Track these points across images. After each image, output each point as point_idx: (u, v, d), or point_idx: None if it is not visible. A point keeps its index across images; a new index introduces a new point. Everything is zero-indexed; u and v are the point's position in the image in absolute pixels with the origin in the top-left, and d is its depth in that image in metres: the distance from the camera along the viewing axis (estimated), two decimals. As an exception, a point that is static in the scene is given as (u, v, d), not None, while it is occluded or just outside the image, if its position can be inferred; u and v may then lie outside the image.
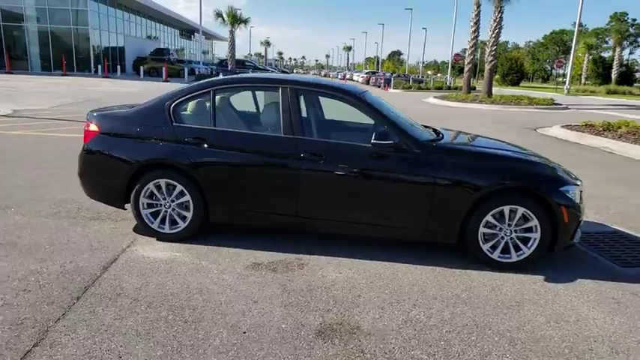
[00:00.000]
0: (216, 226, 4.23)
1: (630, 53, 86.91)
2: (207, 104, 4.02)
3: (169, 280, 3.34)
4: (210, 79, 4.24)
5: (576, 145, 10.92)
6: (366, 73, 52.71)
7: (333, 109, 4.49)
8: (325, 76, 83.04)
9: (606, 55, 60.94)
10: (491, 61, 22.09)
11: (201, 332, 2.70)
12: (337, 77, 71.84)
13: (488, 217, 3.71)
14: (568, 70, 41.44)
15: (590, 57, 55.07)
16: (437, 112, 17.99)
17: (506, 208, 3.68)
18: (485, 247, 3.77)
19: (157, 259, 3.67)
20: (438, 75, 67.22)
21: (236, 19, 32.17)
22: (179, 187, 3.91)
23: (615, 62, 50.31)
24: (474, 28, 23.38)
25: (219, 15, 31.99)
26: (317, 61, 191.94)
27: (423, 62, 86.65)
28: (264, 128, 4.12)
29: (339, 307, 3.07)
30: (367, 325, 2.87)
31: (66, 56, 33.39)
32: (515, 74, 59.33)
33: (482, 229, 3.73)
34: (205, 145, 3.85)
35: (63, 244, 3.89)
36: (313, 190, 3.80)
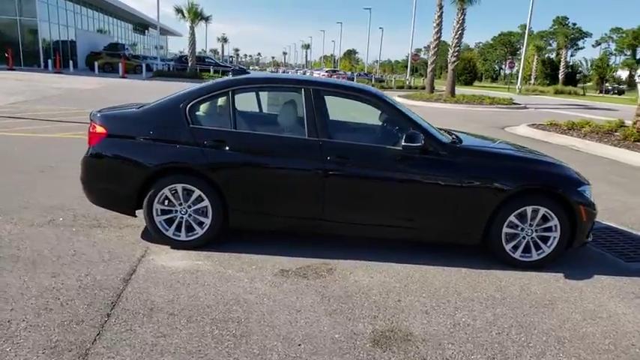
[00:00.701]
0: (228, 233, 4.06)
1: (572, 55, 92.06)
2: (226, 105, 3.84)
3: (200, 291, 3.17)
4: (227, 79, 4.05)
5: (545, 143, 11.39)
6: (326, 71, 52.79)
7: (345, 110, 4.43)
8: (285, 73, 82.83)
9: (550, 56, 64.28)
10: (454, 61, 22.76)
11: (255, 347, 2.57)
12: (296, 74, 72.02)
13: (512, 218, 3.77)
14: (520, 71, 43.42)
15: (539, 58, 57.88)
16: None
17: (529, 209, 3.76)
18: (508, 247, 3.83)
19: (179, 269, 3.48)
20: (394, 74, 68.50)
21: (197, 15, 31.29)
22: (197, 192, 3.72)
23: (562, 64, 53.32)
24: (436, 29, 23.97)
25: (179, 11, 30.99)
26: (273, 58, 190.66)
27: (379, 61, 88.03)
28: (285, 130, 3.99)
29: (384, 313, 3.02)
30: (419, 331, 2.83)
31: (11, 49, 31.26)
32: (468, 74, 61.52)
33: (505, 230, 3.79)
34: (227, 148, 3.68)
35: (70, 255, 3.61)
36: (338, 193, 3.72)
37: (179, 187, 3.72)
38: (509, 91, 41.10)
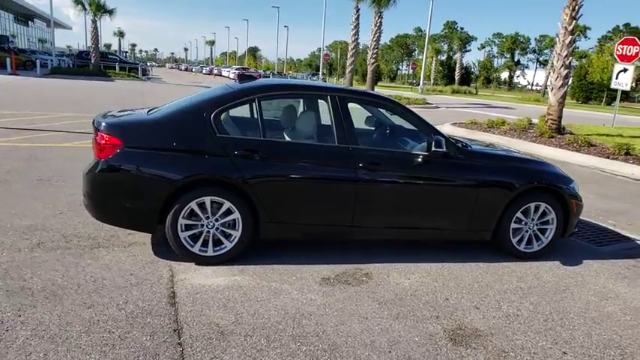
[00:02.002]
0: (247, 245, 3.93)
1: (461, 57, 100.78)
2: (252, 112, 3.71)
3: (258, 308, 3.05)
4: (251, 86, 3.89)
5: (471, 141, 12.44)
6: (236, 69, 51.79)
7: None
8: (187, 70, 79.20)
9: (446, 58, 69.95)
10: (373, 62, 23.79)
11: (351, 359, 2.57)
12: (201, 72, 69.34)
13: (518, 214, 4.15)
14: (422, 72, 46.52)
15: (437, 60, 62.57)
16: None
17: (532, 205, 4.16)
18: (514, 240, 4.20)
19: (221, 287, 3.30)
20: (298, 73, 69.31)
21: (100, 8, 28.78)
22: (226, 205, 3.55)
23: (458, 65, 58.29)
24: (354, 31, 24.82)
25: (78, 2, 28.24)
26: (172, 54, 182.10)
27: (286, 60, 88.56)
28: (309, 137, 3.95)
29: (443, 312, 3.17)
30: (482, 326, 3.03)
31: None
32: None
33: (512, 225, 4.16)
34: (258, 158, 3.56)
35: (91, 282, 3.24)
36: (369, 199, 3.79)
37: (207, 200, 3.52)
38: (412, 91, 43.88)
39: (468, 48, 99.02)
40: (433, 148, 3.77)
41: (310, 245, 4.10)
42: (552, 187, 4.17)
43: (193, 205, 3.50)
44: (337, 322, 2.94)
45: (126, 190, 3.48)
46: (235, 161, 3.52)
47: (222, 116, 3.62)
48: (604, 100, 40.07)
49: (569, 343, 2.90)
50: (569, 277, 3.93)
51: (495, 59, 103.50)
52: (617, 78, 14.28)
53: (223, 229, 3.62)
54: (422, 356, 2.65)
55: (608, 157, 9.65)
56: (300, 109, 4.35)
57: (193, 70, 76.05)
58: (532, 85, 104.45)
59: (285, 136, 3.97)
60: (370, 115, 4.73)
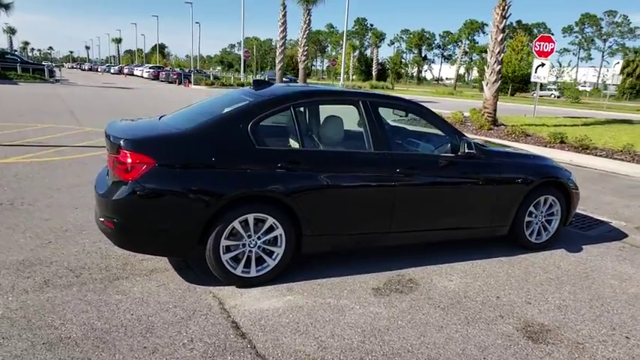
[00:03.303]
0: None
1: (371, 53, 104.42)
2: (289, 121, 3.50)
3: (333, 328, 2.90)
4: (285, 92, 3.65)
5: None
6: (150, 68, 49.08)
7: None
8: (91, 70, 73.19)
9: (364, 54, 72.03)
10: (304, 60, 23.77)
11: (456, 371, 2.54)
12: (108, 72, 64.58)
13: (531, 207, 4.38)
14: (342, 68, 47.50)
15: (354, 56, 64.20)
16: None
17: (542, 198, 4.42)
18: (527, 233, 4.44)
19: (281, 309, 3.09)
20: (217, 69, 67.37)
21: (-7, 1, 25.54)
22: (270, 221, 3.33)
23: (374, 61, 60.34)
24: (282, 28, 24.60)
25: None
26: (71, 52, 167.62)
27: (198, 56, 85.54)
28: (343, 144, 3.82)
29: (503, 311, 3.25)
30: (545, 320, 3.15)
31: None
32: (292, 70, 64.74)
33: (526, 218, 4.38)
34: (300, 169, 3.37)
35: (135, 321, 2.86)
36: (406, 204, 3.77)
37: (250, 217, 3.27)
38: (334, 86, 44.65)
39: (379, 44, 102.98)
40: (466, 150, 3.85)
41: (340, 255, 3.99)
42: (559, 180, 4.45)
43: (236, 224, 3.24)
44: (418, 334, 2.89)
45: (162, 213, 3.12)
46: (278, 174, 3.30)
47: (260, 127, 3.37)
48: (509, 91, 43.80)
49: (624, 327, 3.12)
50: (582, 264, 4.23)
51: (404, 54, 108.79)
52: (536, 72, 15.65)
53: (265, 246, 3.40)
54: (515, 358, 2.69)
55: (545, 146, 10.55)
56: (328, 115, 4.17)
57: (99, 69, 70.55)
58: (439, 79, 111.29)
59: (320, 144, 3.80)
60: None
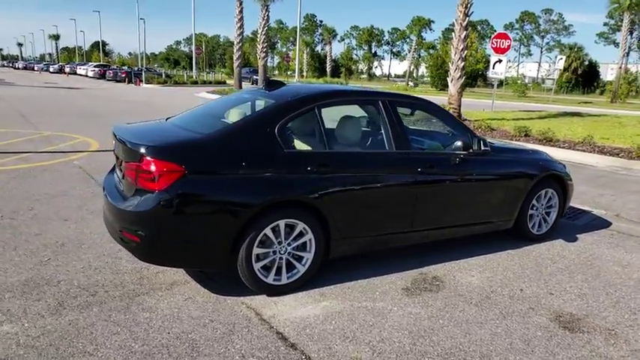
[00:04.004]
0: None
1: (322, 49, 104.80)
2: (314, 123, 3.42)
3: (380, 332, 2.87)
4: (309, 93, 3.54)
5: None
6: (96, 66, 46.75)
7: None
8: (26, 69, 68.58)
9: (317, 51, 72.07)
10: (264, 57, 23.45)
11: (512, 367, 2.58)
12: (47, 70, 60.81)
13: (533, 201, 4.55)
14: (296, 64, 47.39)
15: (308, 53, 64.18)
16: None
17: (543, 191, 4.60)
18: (530, 225, 4.60)
19: (322, 316, 3.03)
20: (155, 67, 65.03)
21: None
22: (300, 226, 3.24)
23: (328, 58, 60.61)
24: (239, 25, 24.12)
25: None
26: (0, 50, 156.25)
27: (143, 53, 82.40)
28: (366, 145, 3.78)
29: (531, 303, 3.35)
30: (573, 310, 3.28)
31: None
32: (244, 67, 63.92)
33: (529, 212, 4.54)
34: (329, 172, 3.31)
35: (174, 340, 2.70)
36: (427, 202, 3.80)
37: (281, 223, 3.17)
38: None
39: (331, 40, 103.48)
40: (482, 147, 3.93)
41: (359, 257, 3.95)
42: (557, 174, 4.65)
43: (268, 231, 3.13)
44: (463, 332, 2.92)
45: (193, 223, 2.95)
46: (307, 177, 3.22)
47: (287, 129, 3.28)
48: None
49: (644, 312, 3.31)
50: (582, 253, 4.44)
51: (355, 51, 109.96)
52: (493, 68, 16.29)
53: (295, 252, 3.31)
54: (560, 349, 2.78)
55: (511, 139, 11.01)
56: (344, 115, 4.10)
57: (36, 68, 66.25)
58: (388, 75, 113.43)
59: (344, 145, 3.74)
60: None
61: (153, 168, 2.87)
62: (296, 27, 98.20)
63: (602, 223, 5.42)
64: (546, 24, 75.93)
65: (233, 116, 3.62)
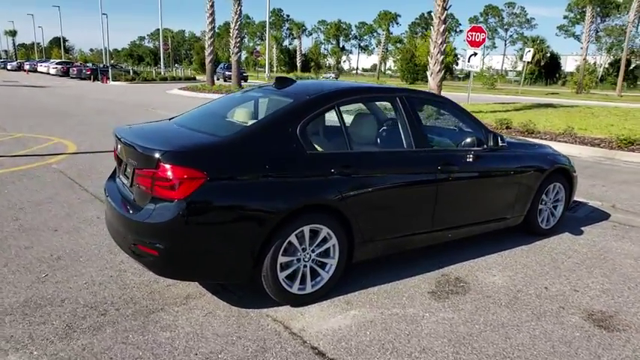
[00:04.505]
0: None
1: (289, 44, 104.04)
2: (333, 122, 3.24)
3: (420, 341, 2.74)
4: (328, 91, 3.35)
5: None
6: (58, 63, 44.77)
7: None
8: None
9: (287, 46, 71.30)
10: (237, 52, 22.91)
11: (561, 372, 2.50)
12: (4, 68, 57.97)
13: (543, 196, 4.52)
14: (266, 60, 46.80)
15: (277, 47, 63.46)
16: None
17: (551, 186, 4.58)
18: (539, 219, 4.58)
19: (354, 326, 2.87)
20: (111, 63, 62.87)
21: None
22: (324, 231, 3.07)
23: (298, 52, 60.04)
24: (210, 19, 23.47)
25: None
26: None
27: (107, 49, 79.56)
28: (384, 143, 3.63)
29: (560, 302, 3.30)
30: (602, 307, 3.25)
31: None
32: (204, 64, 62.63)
33: (539, 206, 4.52)
34: (353, 174, 3.14)
35: (205, 356, 2.49)
36: (446, 201, 3.69)
37: (306, 229, 3.00)
38: (259, 79, 43.88)
39: (295, 35, 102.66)
40: (500, 143, 3.86)
41: (374, 261, 3.82)
42: (565, 167, 4.64)
43: (292, 238, 2.95)
44: (502, 337, 2.83)
45: (217, 233, 2.73)
46: (331, 180, 3.05)
47: (308, 129, 3.08)
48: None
49: (669, 306, 3.31)
50: (592, 246, 4.45)
51: (323, 45, 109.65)
52: (469, 61, 16.45)
53: (318, 259, 3.14)
54: (603, 350, 2.73)
55: (494, 132, 11.11)
56: (359, 112, 3.93)
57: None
58: (357, 69, 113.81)
59: (365, 144, 3.58)
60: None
61: (172, 175, 2.63)
62: (263, 22, 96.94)
63: (600, 215, 5.48)
64: (509, 17, 77.91)
65: (240, 116, 3.42)
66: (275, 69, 59.14)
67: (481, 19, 78.13)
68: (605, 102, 26.01)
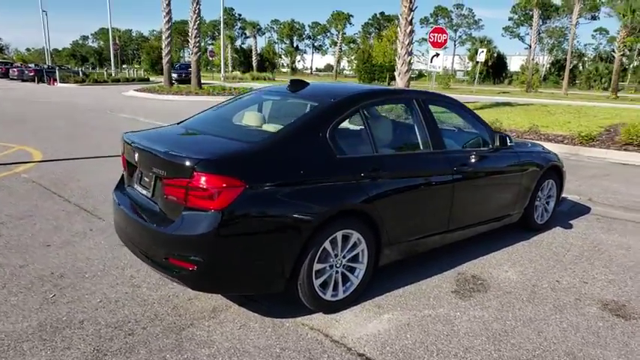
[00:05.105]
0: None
1: (242, 44, 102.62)
2: (360, 125, 3.23)
3: (461, 341, 2.78)
4: (353, 94, 3.31)
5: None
6: (-2, 64, 41.87)
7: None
8: None
9: (242, 45, 70.02)
10: (197, 52, 22.33)
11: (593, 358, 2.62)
12: None
13: (539, 193, 4.71)
14: (222, 59, 46.01)
15: (232, 47, 62.33)
16: (172, 107, 17.05)
17: (545, 182, 4.78)
18: (535, 215, 4.77)
19: (392, 330, 2.87)
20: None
21: None
22: (355, 236, 3.06)
23: (254, 52, 59.31)
24: (167, 19, 22.73)
25: None
26: None
27: (48, 49, 75.31)
28: (405, 146, 3.64)
29: (574, 294, 3.45)
30: (614, 297, 3.42)
31: None
32: (158, 64, 60.69)
33: (535, 202, 4.71)
34: (380, 177, 3.14)
35: (253, 375, 2.41)
36: (461, 201, 3.77)
37: (339, 235, 2.97)
38: (214, 79, 43.07)
39: (248, 35, 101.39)
40: (508, 143, 4.00)
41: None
42: (557, 164, 4.86)
43: (327, 244, 2.91)
44: (535, 331, 2.92)
45: (256, 244, 2.65)
46: (363, 185, 3.04)
47: (336, 133, 3.04)
48: (386, 80, 46.81)
49: (671, 292, 3.54)
50: (584, 238, 4.69)
51: (277, 45, 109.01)
52: (431, 62, 16.86)
53: (348, 264, 3.12)
54: (629, 338, 2.88)
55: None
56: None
57: None
58: (311, 69, 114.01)
59: (388, 147, 3.57)
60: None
61: (210, 184, 2.52)
62: (214, 21, 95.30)
63: (582, 209, 5.78)
64: (458, 18, 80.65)
65: (260, 121, 3.34)
66: (231, 69, 58.21)
67: (431, 20, 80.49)
68: (555, 100, 27.47)
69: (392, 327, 2.92)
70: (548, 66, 62.46)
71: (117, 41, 41.00)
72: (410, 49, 13.58)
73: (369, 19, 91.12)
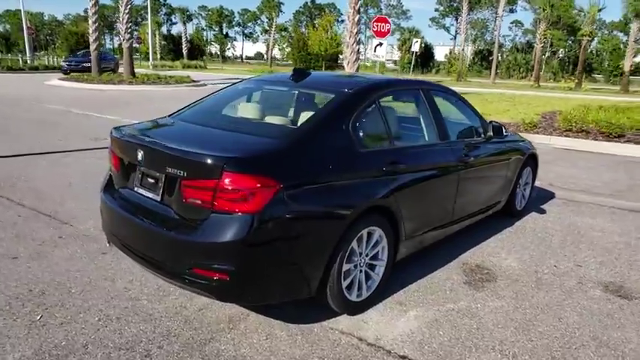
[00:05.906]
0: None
1: (168, 30, 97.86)
2: (376, 117, 3.09)
3: (491, 332, 2.77)
4: (369, 84, 3.15)
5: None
6: None
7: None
8: None
9: (170, 32, 66.55)
10: (129, 39, 20.81)
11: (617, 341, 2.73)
12: None
13: (520, 180, 4.88)
14: (150, 47, 43.65)
15: (160, 33, 59.12)
16: (107, 97, 15.82)
17: (525, 170, 4.96)
18: (516, 201, 4.95)
19: (424, 328, 2.80)
20: None
21: None
22: (377, 233, 2.95)
23: (184, 39, 56.63)
24: (93, 1, 20.93)
25: None
26: None
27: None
28: (418, 137, 3.55)
29: (574, 278, 3.60)
30: (610, 278, 3.61)
31: None
32: (83, 49, 56.28)
33: (517, 190, 4.88)
34: (399, 171, 3.04)
35: (302, 390, 2.23)
36: (464, 191, 3.78)
37: (364, 232, 2.84)
38: (142, 67, 40.75)
39: (174, 20, 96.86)
40: (504, 133, 4.07)
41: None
42: (534, 152, 5.06)
43: (354, 243, 2.77)
44: (555, 318, 2.99)
45: (292, 248, 2.44)
46: (385, 179, 2.93)
47: (357, 126, 2.88)
48: (323, 68, 46.89)
49: (654, 271, 3.80)
50: (561, 222, 4.93)
51: (205, 32, 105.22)
52: (375, 51, 17.05)
53: (370, 262, 3.01)
54: (638, 317, 3.03)
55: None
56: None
57: None
58: (242, 57, 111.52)
59: (403, 139, 3.45)
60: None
61: (242, 185, 2.27)
62: (137, 6, 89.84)
63: (547, 194, 6.07)
64: (387, 8, 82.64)
65: (246, 111, 3.18)
66: (159, 56, 55.22)
67: (362, 11, 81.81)
68: (485, 89, 29.00)
69: (422, 324, 2.86)
70: (471, 56, 65.89)
71: (29, 24, 37.23)
72: (358, 38, 13.63)
73: (300, 8, 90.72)
